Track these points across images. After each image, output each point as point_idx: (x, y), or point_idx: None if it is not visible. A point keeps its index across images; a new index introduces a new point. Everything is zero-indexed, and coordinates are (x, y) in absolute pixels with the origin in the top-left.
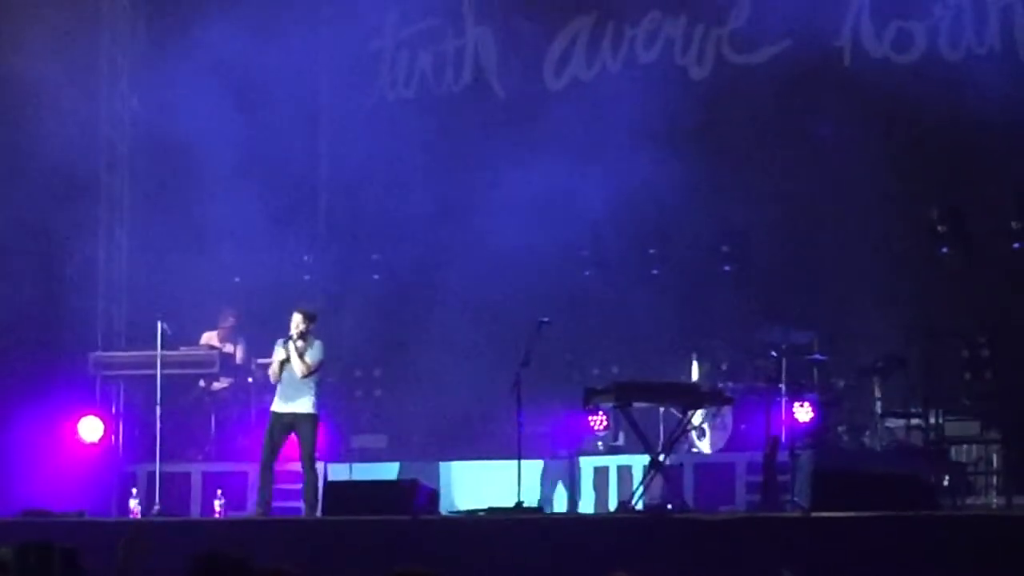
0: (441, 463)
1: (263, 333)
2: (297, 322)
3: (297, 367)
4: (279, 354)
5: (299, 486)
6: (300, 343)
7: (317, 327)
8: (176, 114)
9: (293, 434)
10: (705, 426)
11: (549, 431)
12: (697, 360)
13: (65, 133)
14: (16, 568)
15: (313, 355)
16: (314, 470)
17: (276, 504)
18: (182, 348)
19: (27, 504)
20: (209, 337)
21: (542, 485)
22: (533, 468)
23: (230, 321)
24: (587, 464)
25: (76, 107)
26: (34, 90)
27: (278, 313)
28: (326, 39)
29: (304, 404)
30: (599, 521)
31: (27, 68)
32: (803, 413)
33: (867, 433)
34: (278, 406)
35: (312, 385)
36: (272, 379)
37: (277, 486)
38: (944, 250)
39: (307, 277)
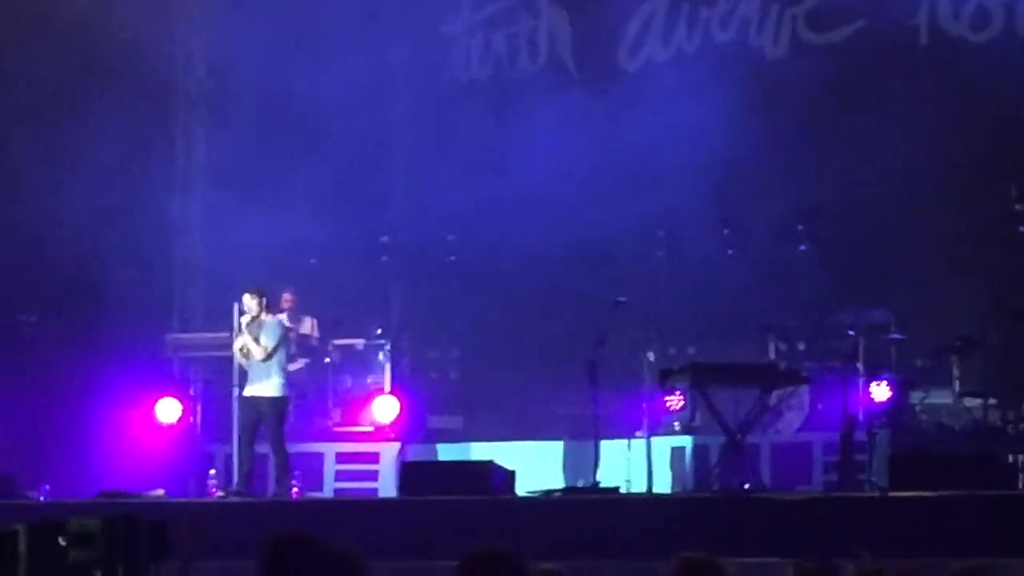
0: (517, 443)
1: (340, 314)
2: (249, 305)
3: (255, 351)
4: (238, 343)
5: (373, 467)
6: (254, 326)
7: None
8: (247, 94)
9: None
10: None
11: (625, 411)
12: (773, 340)
13: (136, 112)
14: (103, 540)
15: (268, 336)
16: (282, 452)
17: (349, 486)
18: None
19: (106, 486)
20: (281, 319)
21: (618, 465)
22: (610, 448)
23: (290, 302)
24: (664, 444)
25: (148, 83)
26: (105, 66)
27: (356, 295)
28: (399, 21)
29: (269, 387)
30: (676, 501)
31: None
32: (880, 393)
33: (944, 413)
34: (246, 390)
35: (277, 366)
36: (244, 367)
37: (347, 466)
38: (1022, 228)
39: (384, 258)
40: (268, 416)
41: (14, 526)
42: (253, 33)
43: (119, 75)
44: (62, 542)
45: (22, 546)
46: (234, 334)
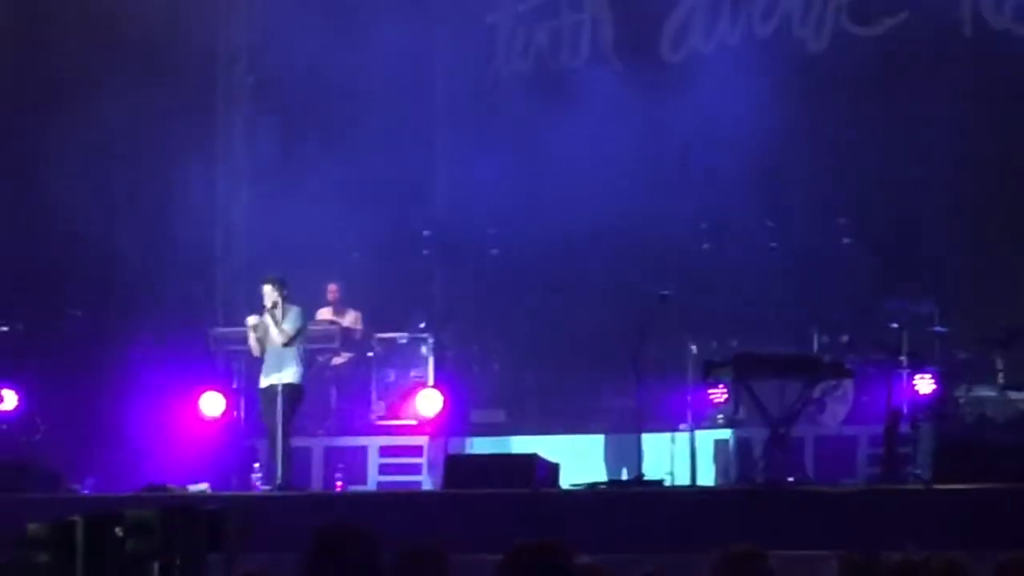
0: (560, 436)
1: (382, 308)
2: (268, 292)
3: (276, 336)
4: (252, 319)
5: (417, 460)
6: (276, 312)
7: (353, 295)
8: (288, 87)
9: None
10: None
11: (669, 404)
12: (817, 332)
13: (177, 106)
14: (160, 531)
15: (290, 322)
16: (286, 441)
17: (393, 479)
18: None
19: (150, 479)
20: (324, 313)
21: (662, 458)
22: (653, 441)
23: (335, 293)
24: (707, 437)
25: (190, 77)
26: (147, 61)
27: (398, 289)
28: (442, 14)
29: (286, 375)
30: (720, 494)
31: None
32: (924, 385)
33: (988, 405)
34: (262, 381)
35: (296, 355)
36: (254, 353)
37: (391, 459)
38: None
39: (425, 252)
40: (283, 403)
41: (71, 517)
42: (295, 26)
43: (160, 69)
44: (119, 533)
45: (79, 537)
46: None
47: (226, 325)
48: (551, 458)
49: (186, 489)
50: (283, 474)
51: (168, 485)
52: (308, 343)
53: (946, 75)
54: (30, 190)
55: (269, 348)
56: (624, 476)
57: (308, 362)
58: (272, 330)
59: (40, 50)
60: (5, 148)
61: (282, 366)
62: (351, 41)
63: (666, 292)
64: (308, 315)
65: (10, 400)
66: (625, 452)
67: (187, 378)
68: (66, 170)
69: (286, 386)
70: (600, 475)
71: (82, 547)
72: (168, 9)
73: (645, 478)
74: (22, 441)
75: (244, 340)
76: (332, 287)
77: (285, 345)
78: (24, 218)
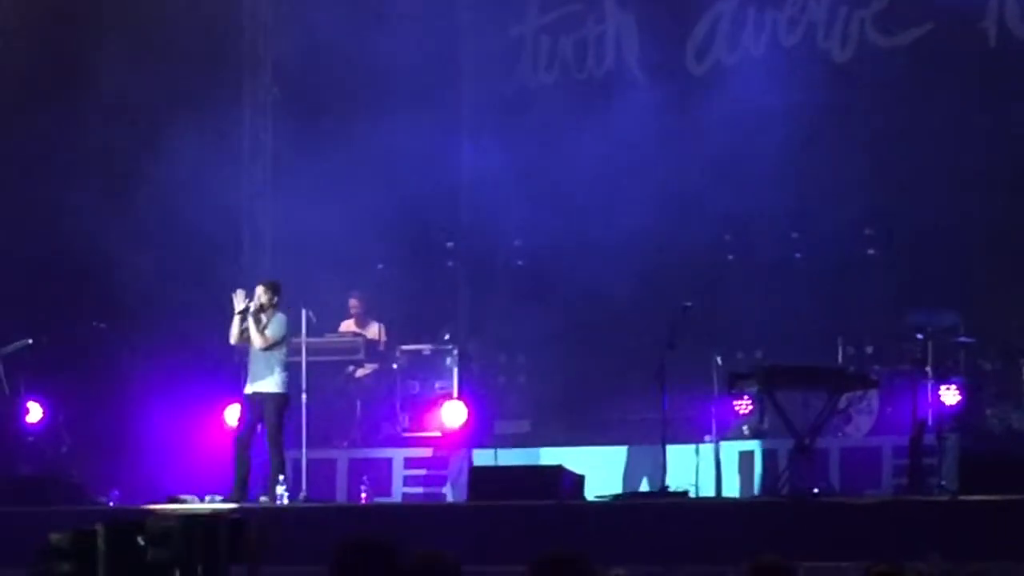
0: (584, 448)
1: (407, 320)
2: (259, 294)
3: (256, 339)
4: (237, 324)
5: (442, 471)
6: (262, 316)
7: (374, 308)
8: (313, 99)
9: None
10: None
11: (694, 416)
12: (842, 343)
13: (203, 119)
14: (182, 539)
15: (273, 328)
16: (278, 453)
17: (418, 490)
18: (327, 335)
19: (174, 491)
20: (348, 325)
21: (687, 469)
22: (678, 453)
23: (356, 307)
24: (732, 448)
25: (216, 91)
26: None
27: (423, 300)
28: (467, 26)
29: (269, 383)
30: (745, 505)
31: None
32: (950, 396)
33: (1014, 416)
34: (247, 388)
35: (277, 362)
36: (231, 340)
37: (415, 471)
38: None
39: (450, 263)
40: (268, 413)
41: (93, 525)
42: (321, 37)
43: (186, 78)
44: (141, 541)
45: (101, 545)
46: (303, 340)
47: None
48: (576, 469)
49: (213, 499)
50: (272, 484)
51: (192, 496)
52: (332, 355)
53: (971, 85)
54: (49, 200)
55: (251, 353)
56: (649, 487)
57: (288, 368)
58: (253, 332)
59: (63, 55)
60: (24, 156)
61: (265, 373)
62: (376, 53)
63: (688, 304)
64: (332, 328)
65: (36, 413)
66: (650, 463)
67: (212, 390)
68: (87, 180)
69: (269, 395)
70: (625, 486)
71: (103, 556)
72: (194, 17)
73: (670, 489)
74: (48, 454)
75: None
76: (353, 301)
77: (265, 350)
78: (44, 228)
